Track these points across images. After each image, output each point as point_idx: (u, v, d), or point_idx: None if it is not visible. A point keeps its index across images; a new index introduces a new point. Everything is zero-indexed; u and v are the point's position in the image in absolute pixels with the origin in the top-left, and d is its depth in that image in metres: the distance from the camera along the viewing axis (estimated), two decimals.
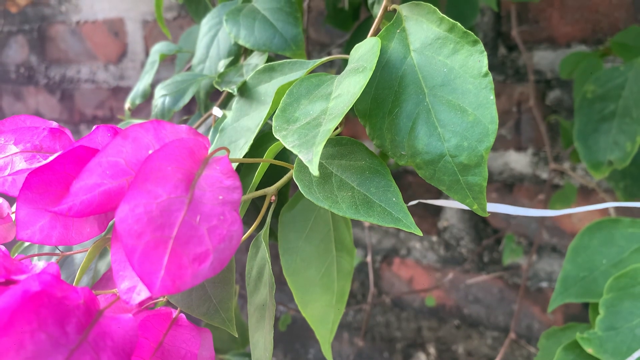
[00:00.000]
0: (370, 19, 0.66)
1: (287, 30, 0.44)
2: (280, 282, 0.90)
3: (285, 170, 0.34)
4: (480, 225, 0.82)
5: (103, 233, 0.26)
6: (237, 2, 0.49)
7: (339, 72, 0.34)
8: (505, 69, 0.76)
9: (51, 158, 0.24)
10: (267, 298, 0.30)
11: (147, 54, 1.07)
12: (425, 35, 0.30)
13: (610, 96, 0.56)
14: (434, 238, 0.86)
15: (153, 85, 0.56)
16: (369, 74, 0.27)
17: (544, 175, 0.76)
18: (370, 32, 0.34)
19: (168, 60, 1.00)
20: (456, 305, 0.86)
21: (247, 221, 0.41)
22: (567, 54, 0.70)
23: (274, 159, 0.32)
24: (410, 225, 0.26)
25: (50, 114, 1.21)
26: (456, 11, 0.62)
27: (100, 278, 0.30)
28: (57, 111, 1.20)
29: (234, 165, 0.34)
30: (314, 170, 0.24)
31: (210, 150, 0.24)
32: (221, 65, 0.47)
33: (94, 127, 0.25)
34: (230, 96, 0.47)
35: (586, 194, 0.74)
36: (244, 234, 0.30)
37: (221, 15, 0.50)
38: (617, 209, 0.66)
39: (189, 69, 0.55)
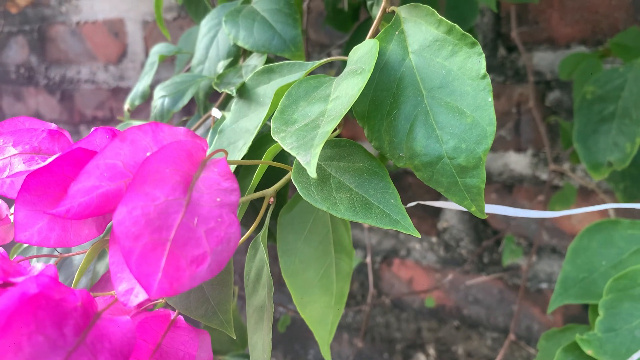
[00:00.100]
0: (370, 19, 0.66)
1: (286, 31, 0.44)
2: (279, 284, 0.90)
3: (284, 172, 0.34)
4: (480, 226, 0.82)
5: (101, 235, 0.26)
6: (237, 3, 0.49)
7: (338, 73, 0.34)
8: (504, 70, 0.76)
9: (49, 160, 0.24)
10: (266, 299, 0.30)
11: (147, 54, 1.07)
12: (423, 37, 0.30)
13: (609, 97, 0.56)
14: (434, 239, 0.86)
15: (152, 86, 0.56)
16: (367, 76, 0.27)
17: (544, 176, 0.76)
18: (369, 34, 0.34)
19: (168, 61, 1.00)
20: (456, 306, 0.86)
21: (245, 223, 0.41)
22: (567, 55, 0.70)
23: (273, 160, 0.32)
24: (408, 227, 0.26)
25: (50, 114, 1.21)
26: (456, 12, 0.62)
27: (99, 280, 0.30)
28: (57, 112, 1.20)
29: (233, 167, 0.34)
30: (312, 172, 0.24)
31: (208, 152, 0.24)
32: (220, 67, 0.47)
33: (93, 128, 0.25)
34: (229, 97, 0.47)
35: (586, 195, 0.74)
36: (243, 236, 0.30)
37: (220, 16, 0.50)
38: (616, 210, 0.66)
39: (189, 70, 0.55)
